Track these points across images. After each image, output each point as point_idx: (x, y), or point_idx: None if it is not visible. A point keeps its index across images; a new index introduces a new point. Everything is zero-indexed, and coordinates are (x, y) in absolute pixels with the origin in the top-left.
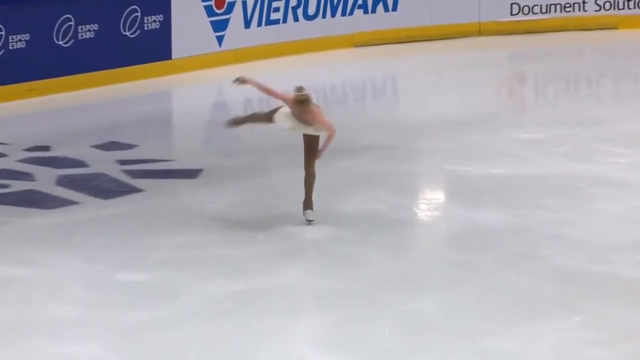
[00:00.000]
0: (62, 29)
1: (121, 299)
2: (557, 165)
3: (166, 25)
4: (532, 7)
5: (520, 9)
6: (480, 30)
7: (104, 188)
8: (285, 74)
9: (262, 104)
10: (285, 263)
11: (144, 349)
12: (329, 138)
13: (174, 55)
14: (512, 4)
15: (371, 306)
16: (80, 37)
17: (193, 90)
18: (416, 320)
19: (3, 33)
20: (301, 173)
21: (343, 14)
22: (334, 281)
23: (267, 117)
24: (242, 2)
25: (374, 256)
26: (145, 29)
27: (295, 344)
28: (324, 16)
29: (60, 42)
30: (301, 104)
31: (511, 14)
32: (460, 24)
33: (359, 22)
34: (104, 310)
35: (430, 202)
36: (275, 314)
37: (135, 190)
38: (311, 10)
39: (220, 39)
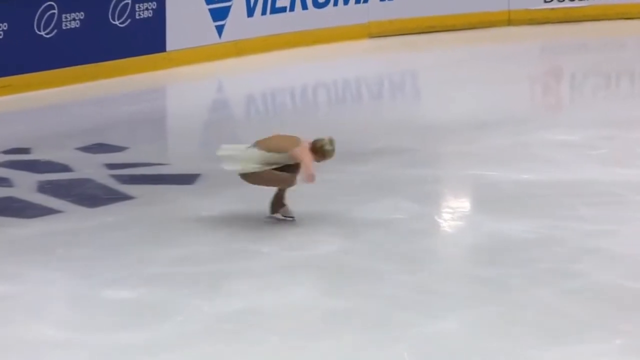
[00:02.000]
0: (44, 18)
1: (108, 319)
2: (594, 171)
3: (160, 13)
4: None
5: None
6: (510, 20)
7: (90, 195)
8: (291, 69)
9: (266, 100)
10: (292, 279)
11: None
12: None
13: (168, 47)
14: None
15: (388, 327)
16: (64, 27)
17: (190, 87)
18: (438, 342)
19: None
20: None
21: (357, 1)
22: (346, 299)
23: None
24: None
25: (390, 271)
26: (137, 17)
27: None
28: (335, 4)
29: (42, 33)
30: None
31: (544, 1)
32: (487, 13)
33: (375, 10)
34: (89, 332)
35: (453, 211)
36: (280, 337)
37: (124, 197)
38: None
39: (220, 29)
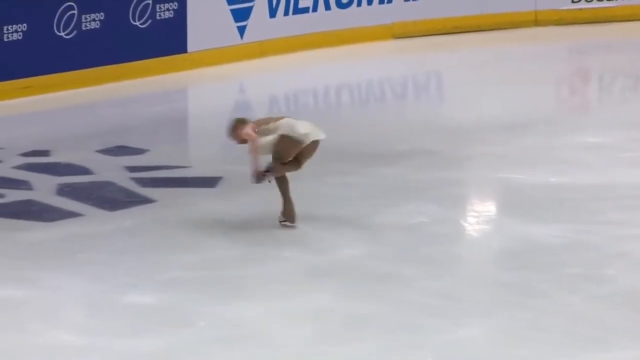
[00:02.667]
0: (64, 19)
1: (127, 324)
2: (624, 174)
3: (181, 14)
4: None
5: None
6: (537, 20)
7: (111, 198)
8: (314, 70)
9: (289, 101)
10: (314, 284)
11: None
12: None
13: (189, 49)
14: None
15: (411, 333)
16: (84, 28)
17: (211, 88)
18: (463, 349)
19: None
20: (331, 182)
21: (381, 1)
22: (369, 304)
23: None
24: None
25: (415, 276)
26: (158, 18)
27: None
28: (359, 4)
29: (62, 34)
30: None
31: (572, 1)
32: (514, 13)
33: (399, 10)
34: (108, 337)
35: (479, 215)
36: (302, 342)
37: (145, 200)
38: None
39: (242, 30)
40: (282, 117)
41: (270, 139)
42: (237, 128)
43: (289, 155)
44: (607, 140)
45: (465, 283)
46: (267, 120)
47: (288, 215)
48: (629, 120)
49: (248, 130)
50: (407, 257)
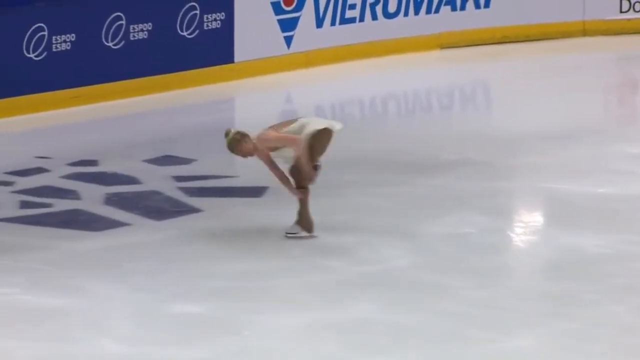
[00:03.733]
0: (112, 29)
1: (173, 333)
2: None
3: (228, 24)
4: None
5: (632, 6)
6: (585, 30)
7: (158, 208)
8: (360, 80)
9: (335, 111)
10: (359, 294)
11: None
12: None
13: (236, 58)
14: (621, 0)
15: (457, 344)
16: (132, 38)
17: (258, 98)
18: None
19: (46, 33)
20: (380, 192)
21: (428, 11)
22: (414, 315)
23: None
24: None
25: (460, 286)
26: (205, 28)
27: None
28: (406, 14)
29: (110, 44)
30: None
31: (620, 11)
32: (561, 23)
33: (446, 20)
34: (154, 346)
35: (525, 225)
36: (347, 352)
37: (192, 210)
38: (392, 8)
39: (288, 40)
40: (296, 119)
41: (305, 135)
42: (240, 142)
43: (325, 148)
44: None
45: (511, 294)
46: (285, 124)
47: (307, 226)
48: None
49: (277, 134)
50: (453, 267)
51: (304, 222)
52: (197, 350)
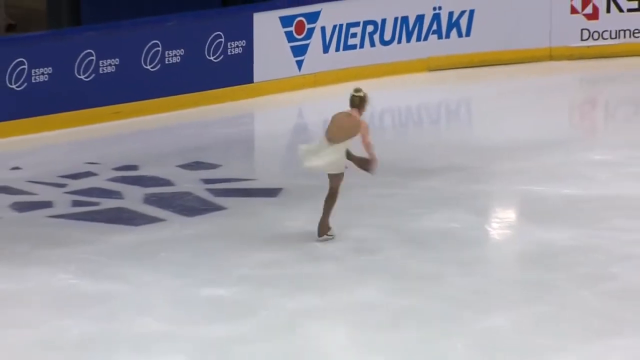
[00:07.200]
0: (150, 54)
1: (205, 313)
2: (628, 186)
3: (248, 50)
4: (602, 33)
5: (591, 35)
6: (552, 55)
7: (189, 206)
8: None
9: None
10: (364, 280)
11: None
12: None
13: (255, 79)
14: (582, 29)
15: (448, 323)
16: (167, 62)
17: (274, 113)
18: (489, 337)
19: (94, 58)
20: (380, 193)
21: (418, 39)
22: (411, 298)
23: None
24: (321, 28)
25: (449, 274)
26: (229, 53)
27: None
28: (399, 41)
29: (148, 67)
30: (355, 104)
31: (581, 39)
32: (531, 49)
33: (434, 47)
34: (188, 325)
35: (504, 222)
36: (351, 330)
37: (218, 208)
38: (387, 36)
39: (299, 64)
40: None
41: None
42: (368, 103)
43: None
44: (613, 157)
45: (493, 280)
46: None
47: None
48: (631, 141)
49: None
50: (443, 258)
51: (327, 226)
52: (225, 327)
